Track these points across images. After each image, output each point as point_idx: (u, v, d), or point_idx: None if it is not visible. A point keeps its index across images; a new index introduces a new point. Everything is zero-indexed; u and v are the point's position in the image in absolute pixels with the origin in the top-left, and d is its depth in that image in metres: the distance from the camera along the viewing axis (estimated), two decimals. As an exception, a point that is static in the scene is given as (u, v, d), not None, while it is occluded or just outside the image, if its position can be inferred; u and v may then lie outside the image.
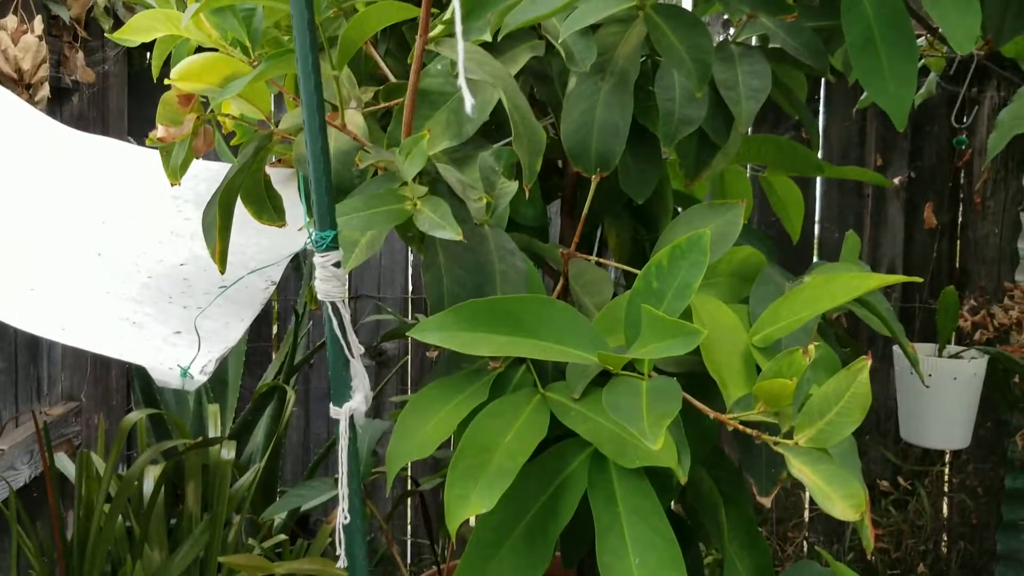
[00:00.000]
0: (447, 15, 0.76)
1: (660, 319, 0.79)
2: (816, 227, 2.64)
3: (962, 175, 2.55)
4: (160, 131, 0.93)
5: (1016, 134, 1.11)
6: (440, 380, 0.93)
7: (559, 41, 1.06)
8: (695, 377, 0.94)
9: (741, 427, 0.85)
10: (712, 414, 0.87)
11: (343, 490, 0.83)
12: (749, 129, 2.65)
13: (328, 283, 0.81)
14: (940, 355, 2.07)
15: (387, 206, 0.87)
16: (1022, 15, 1.28)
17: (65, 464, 1.85)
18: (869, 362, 0.75)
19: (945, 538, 2.59)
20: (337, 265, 0.82)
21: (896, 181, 2.47)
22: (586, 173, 1.11)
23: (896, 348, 2.18)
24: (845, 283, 0.97)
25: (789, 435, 0.81)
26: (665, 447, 0.83)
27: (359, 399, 0.84)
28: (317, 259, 0.81)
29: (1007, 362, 2.07)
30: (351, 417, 0.83)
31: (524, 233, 1.21)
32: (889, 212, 2.58)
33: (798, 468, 0.81)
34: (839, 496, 0.80)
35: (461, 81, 0.61)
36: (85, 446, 2.12)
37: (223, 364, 1.62)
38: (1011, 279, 2.45)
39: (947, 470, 2.58)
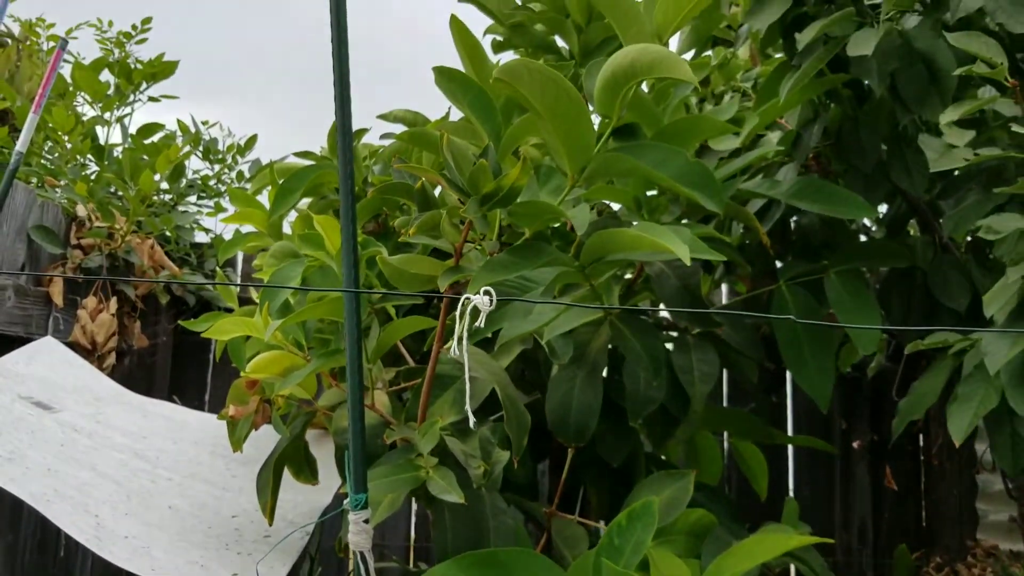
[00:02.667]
0: (457, 333, 1.04)
1: (615, 571, 1.01)
2: (791, 486, 2.85)
3: (921, 438, 2.79)
4: (231, 410, 1.20)
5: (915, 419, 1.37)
6: (443, 619, 1.13)
7: (544, 340, 1.35)
8: (656, 622, 1.14)
9: (688, 660, 1.05)
10: (664, 650, 1.07)
11: None
12: (723, 400, 2.92)
13: (359, 536, 1.04)
14: (901, 609, 2.23)
15: (407, 474, 1.11)
16: (918, 325, 1.59)
17: None
18: (775, 605, 0.97)
19: None
20: (367, 521, 1.05)
21: (855, 445, 2.70)
22: (567, 444, 1.37)
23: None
24: (774, 541, 1.19)
25: (723, 666, 1.01)
26: (625, 676, 1.02)
27: (378, 631, 1.05)
28: (351, 516, 1.04)
29: (965, 617, 2.22)
30: (372, 645, 1.03)
31: (516, 492, 1.44)
32: (857, 473, 2.79)
33: None
34: None
35: (467, 402, 0.87)
36: None
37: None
38: (973, 537, 2.62)
39: None
